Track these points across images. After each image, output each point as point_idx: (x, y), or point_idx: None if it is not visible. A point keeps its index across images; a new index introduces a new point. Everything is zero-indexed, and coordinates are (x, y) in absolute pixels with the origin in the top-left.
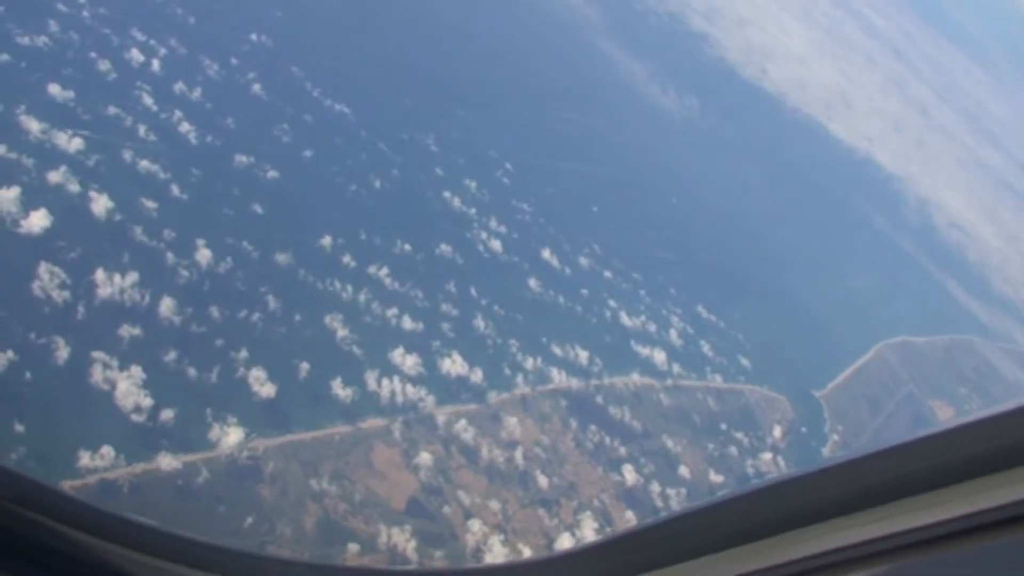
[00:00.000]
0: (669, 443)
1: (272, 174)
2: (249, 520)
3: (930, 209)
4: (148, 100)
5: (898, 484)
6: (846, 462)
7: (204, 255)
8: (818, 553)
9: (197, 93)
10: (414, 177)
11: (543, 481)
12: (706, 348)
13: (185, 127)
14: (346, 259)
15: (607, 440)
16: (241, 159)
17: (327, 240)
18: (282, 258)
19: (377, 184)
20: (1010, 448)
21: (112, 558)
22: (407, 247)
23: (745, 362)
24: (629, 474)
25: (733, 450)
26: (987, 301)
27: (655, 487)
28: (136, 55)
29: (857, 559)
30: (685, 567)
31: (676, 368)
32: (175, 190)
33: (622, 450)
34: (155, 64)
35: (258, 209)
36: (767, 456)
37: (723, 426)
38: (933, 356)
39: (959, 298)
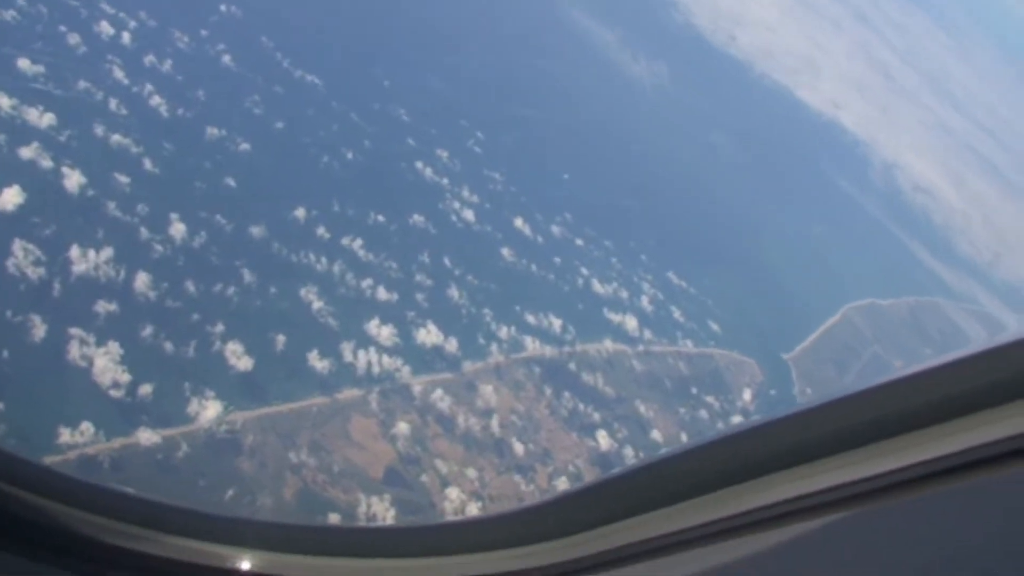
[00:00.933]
0: (641, 408)
1: (244, 147)
2: (230, 492)
3: (895, 173)
4: (119, 74)
5: (847, 434)
6: (796, 413)
7: (178, 229)
8: (769, 504)
9: (168, 66)
10: (386, 148)
11: (519, 448)
12: (677, 314)
13: (156, 100)
14: (320, 231)
15: (581, 406)
16: (213, 132)
17: (301, 212)
18: (256, 231)
19: (349, 155)
20: (957, 398)
21: (96, 529)
22: (381, 218)
23: (715, 327)
24: (603, 439)
25: (704, 414)
26: (951, 263)
27: (628, 452)
28: (106, 28)
29: (806, 508)
30: (641, 519)
31: (647, 334)
32: (148, 164)
33: (596, 416)
34: (125, 37)
35: (231, 182)
36: (737, 419)
37: (694, 390)
38: (898, 318)
39: (924, 260)
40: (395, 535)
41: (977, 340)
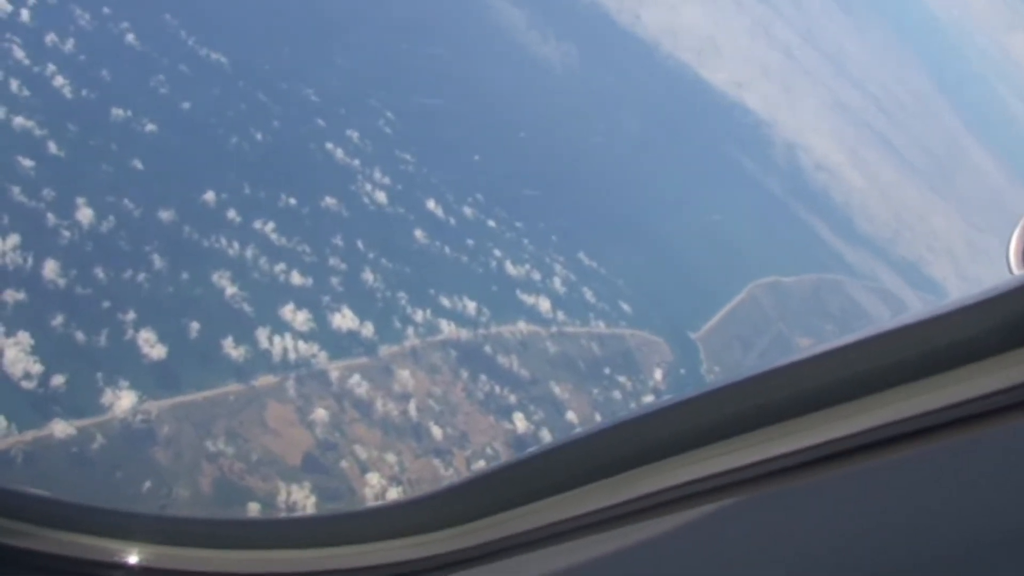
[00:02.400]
0: (556, 389)
1: (151, 127)
2: (147, 485)
3: (797, 152)
4: (19, 53)
5: (753, 415)
6: (703, 393)
7: (85, 214)
8: (672, 486)
9: (70, 45)
10: (295, 128)
11: (437, 432)
12: (588, 295)
13: (59, 81)
14: (231, 214)
15: (497, 389)
16: (118, 112)
17: (210, 195)
18: (165, 215)
19: (259, 136)
20: (862, 375)
21: (13, 536)
22: (292, 201)
23: (626, 307)
24: (520, 422)
25: (617, 394)
26: (852, 241)
27: (545, 433)
28: (3, 4)
29: (710, 490)
30: (543, 504)
31: (560, 315)
32: (52, 147)
33: (512, 398)
34: (24, 14)
35: (138, 165)
36: (649, 399)
37: (607, 371)
38: (802, 295)
39: (826, 238)
40: (288, 526)
41: (878, 317)
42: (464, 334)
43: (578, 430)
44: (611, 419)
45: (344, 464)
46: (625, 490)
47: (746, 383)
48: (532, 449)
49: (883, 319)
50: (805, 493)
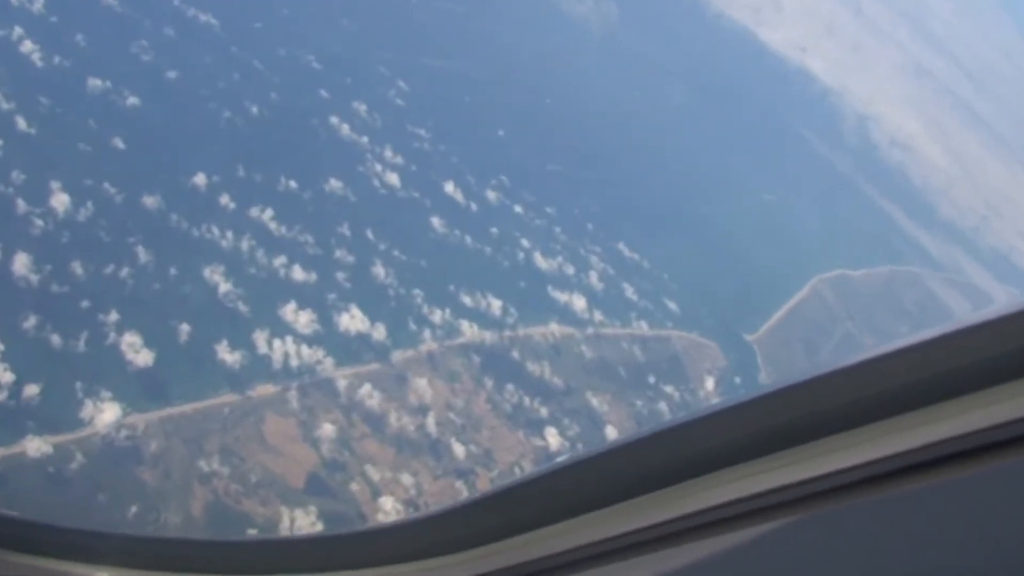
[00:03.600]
0: (594, 401)
1: (132, 101)
2: (133, 509)
3: (869, 125)
4: None
5: (811, 424)
6: (753, 399)
7: (61, 201)
8: (715, 505)
9: (39, 5)
10: (296, 101)
11: (458, 450)
12: (629, 291)
13: (28, 46)
14: (224, 200)
15: (526, 400)
16: (96, 83)
17: (201, 179)
18: (150, 201)
19: (254, 110)
20: (938, 379)
21: None
22: (292, 184)
23: (672, 305)
24: (552, 437)
25: (663, 406)
26: (932, 227)
27: (580, 451)
28: None
29: (760, 510)
30: (563, 527)
31: (598, 315)
32: (21, 123)
33: (543, 411)
34: None
35: (119, 144)
36: None
37: (651, 379)
38: (872, 290)
39: (901, 225)
40: (279, 548)
41: (961, 315)
42: (488, 337)
43: (611, 440)
44: (647, 429)
45: (354, 487)
46: (663, 509)
47: (803, 388)
48: (556, 462)
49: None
50: (871, 512)
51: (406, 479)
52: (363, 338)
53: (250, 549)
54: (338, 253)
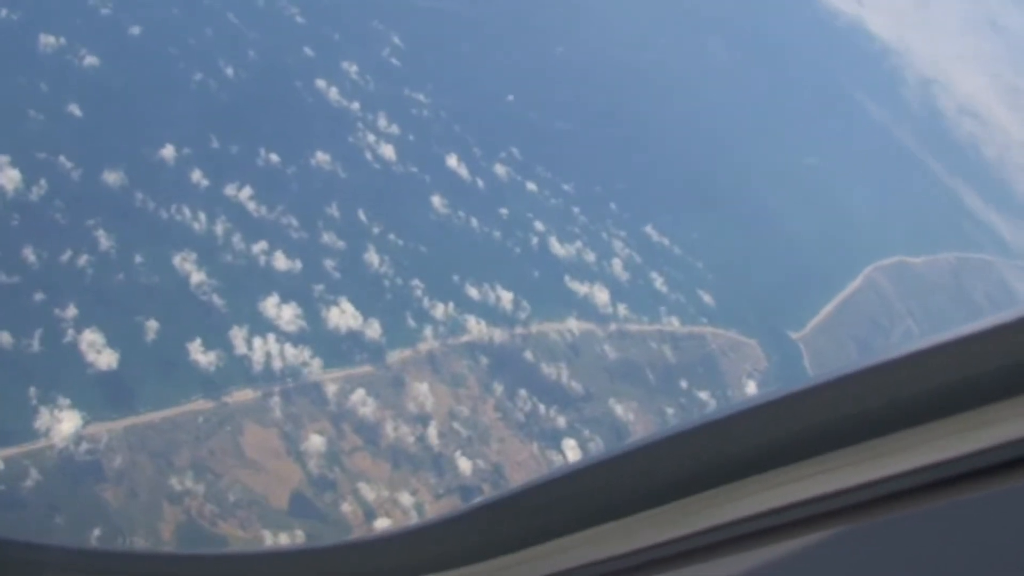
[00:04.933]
0: (618, 408)
1: (91, 60)
2: (95, 532)
3: (935, 90)
4: None
5: (864, 422)
6: (796, 392)
7: (10, 178)
8: (747, 516)
9: None
10: (277, 60)
11: (464, 465)
12: (658, 282)
13: None
14: (196, 176)
15: (541, 408)
16: (48, 41)
17: (169, 151)
18: (112, 178)
19: (229, 71)
20: (1003, 373)
21: None
22: (274, 158)
23: (707, 298)
24: (570, 450)
25: (696, 414)
26: (1006, 209)
27: (596, 453)
28: None
29: (803, 520)
30: (575, 539)
31: (622, 309)
32: None
33: (560, 420)
34: None
35: (76, 111)
36: None
37: (683, 383)
38: (936, 280)
39: (970, 205)
40: (246, 562)
41: None
42: (497, 335)
43: (632, 440)
44: (670, 428)
45: (345, 507)
46: (692, 520)
47: (850, 382)
48: (568, 464)
49: None
50: (929, 523)
51: (404, 499)
52: (355, 336)
53: (215, 564)
54: (326, 238)
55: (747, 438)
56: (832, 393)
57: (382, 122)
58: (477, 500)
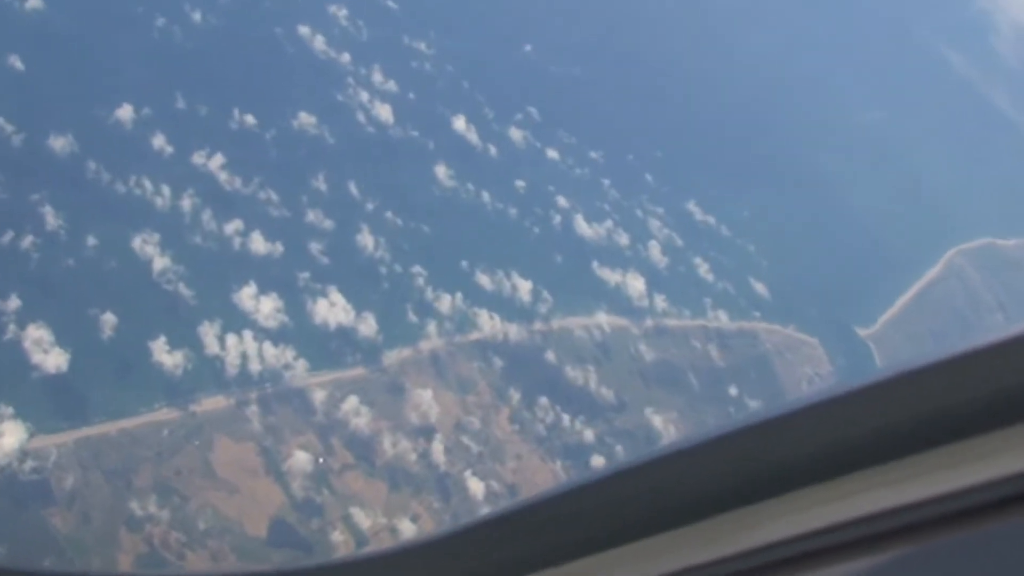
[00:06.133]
0: (655, 420)
1: (34, 3)
2: (44, 563)
3: None
4: None
5: (932, 426)
6: (850, 392)
7: None
8: (788, 538)
9: None
10: (252, 2)
11: (474, 486)
12: (703, 268)
13: None
14: (157, 142)
15: (564, 419)
16: None
17: (126, 111)
18: (60, 144)
19: (196, 16)
20: None
21: None
22: (249, 120)
23: (760, 288)
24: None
25: (738, 419)
26: None
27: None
28: None
29: (858, 541)
30: (600, 559)
31: (660, 301)
32: None
33: (587, 433)
34: None
35: (16, 63)
36: None
37: (732, 390)
38: None
39: None
40: None
41: None
42: (513, 332)
43: (659, 446)
44: (705, 432)
45: (335, 537)
46: (728, 541)
47: (935, 373)
48: (597, 471)
49: None
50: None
51: (404, 526)
52: (346, 333)
53: None
54: (311, 216)
55: (794, 445)
56: (903, 390)
57: (377, 77)
58: (489, 513)
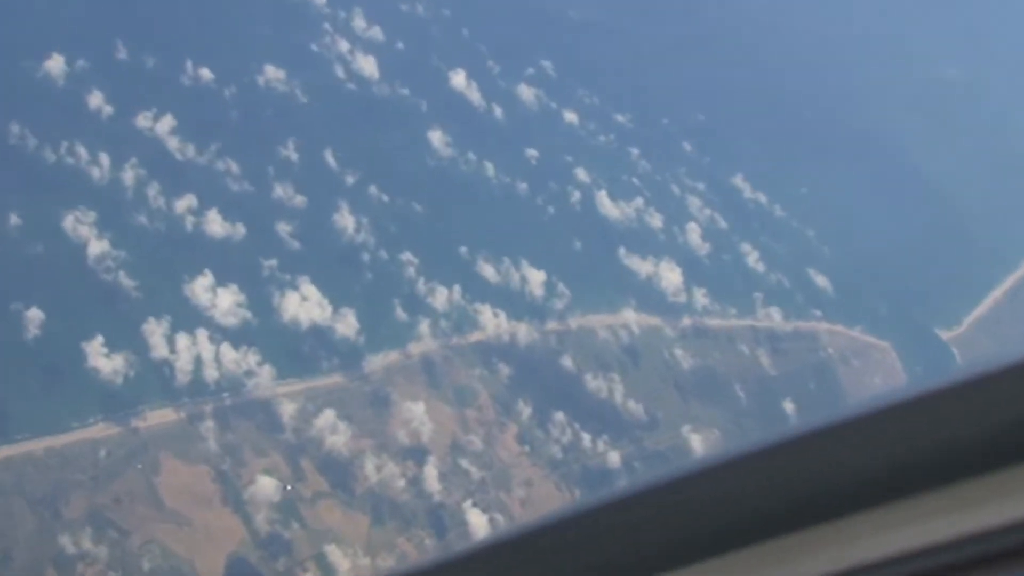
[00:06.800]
0: (694, 439)
1: None
2: None
3: None
4: None
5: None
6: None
7: None
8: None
9: None
10: None
11: (475, 520)
12: (752, 257)
13: None
14: (94, 100)
15: (584, 438)
16: None
17: (56, 63)
18: None
19: None
20: None
21: None
22: (205, 74)
23: (821, 280)
24: None
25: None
26: None
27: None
28: None
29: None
30: None
31: (700, 296)
32: None
33: (612, 456)
34: None
35: None
36: None
37: (787, 405)
38: None
39: None
40: None
41: None
42: (523, 332)
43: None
44: (735, 447)
45: None
46: (800, 562)
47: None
48: (589, 499)
49: None
50: None
51: (387, 564)
52: (320, 333)
53: None
54: (279, 190)
55: (856, 458)
56: (985, 394)
57: (359, 23)
58: (502, 531)
